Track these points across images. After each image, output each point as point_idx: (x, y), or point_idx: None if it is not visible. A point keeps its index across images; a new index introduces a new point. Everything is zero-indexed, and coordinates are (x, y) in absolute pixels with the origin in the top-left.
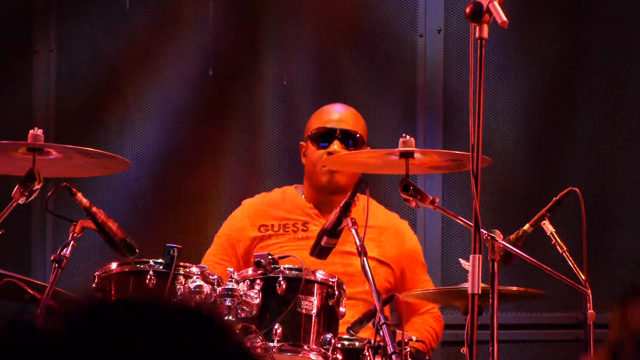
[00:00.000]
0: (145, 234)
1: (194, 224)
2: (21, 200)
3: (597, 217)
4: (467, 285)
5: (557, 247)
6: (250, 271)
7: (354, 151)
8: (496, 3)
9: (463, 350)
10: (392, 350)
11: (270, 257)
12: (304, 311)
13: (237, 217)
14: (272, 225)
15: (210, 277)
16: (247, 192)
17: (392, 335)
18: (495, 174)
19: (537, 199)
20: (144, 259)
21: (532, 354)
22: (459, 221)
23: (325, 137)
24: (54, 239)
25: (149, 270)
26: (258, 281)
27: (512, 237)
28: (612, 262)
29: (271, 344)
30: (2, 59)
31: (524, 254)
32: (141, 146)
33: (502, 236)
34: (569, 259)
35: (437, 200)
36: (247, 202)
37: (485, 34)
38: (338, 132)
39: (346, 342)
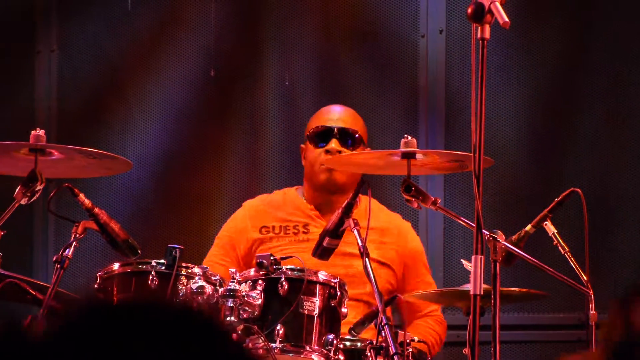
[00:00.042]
0: (147, 235)
1: (196, 224)
2: (23, 201)
3: (599, 218)
4: (469, 286)
5: (559, 247)
6: (252, 272)
7: (352, 150)
8: (498, 3)
9: (465, 351)
10: (394, 351)
11: (272, 257)
12: (306, 312)
13: (238, 218)
14: (273, 227)
15: (213, 277)
16: (248, 192)
17: (394, 336)
18: (497, 175)
19: (539, 199)
20: (146, 260)
21: (534, 355)
22: (461, 222)
23: (323, 135)
24: (56, 240)
25: (151, 271)
26: (260, 282)
27: (514, 237)
28: (614, 262)
29: (273, 345)
30: (4, 60)
31: (525, 255)
32: (143, 147)
33: (504, 237)
34: (571, 260)
35: (439, 201)
36: (248, 203)
37: (487, 35)
38: (336, 131)
39: (348, 343)
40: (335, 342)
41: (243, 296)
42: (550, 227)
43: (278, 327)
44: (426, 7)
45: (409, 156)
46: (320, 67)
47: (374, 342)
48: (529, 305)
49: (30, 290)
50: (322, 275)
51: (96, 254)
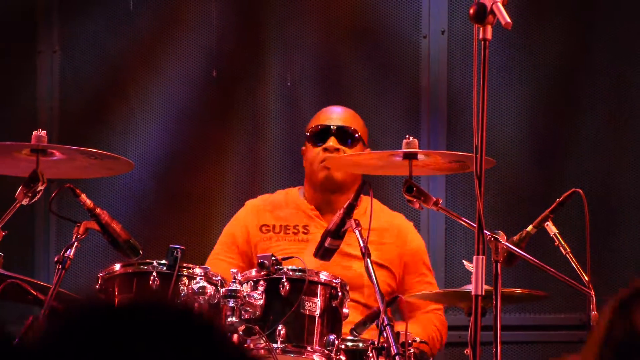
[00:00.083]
0: (149, 235)
1: (197, 225)
2: (25, 202)
3: (601, 219)
4: (471, 286)
5: (561, 248)
6: (253, 272)
7: (351, 148)
8: (500, 4)
9: (467, 352)
10: (395, 352)
11: (273, 258)
12: (307, 312)
13: (240, 217)
14: (274, 226)
15: (214, 278)
16: (250, 193)
17: (396, 336)
18: (499, 175)
19: (541, 200)
20: (148, 260)
21: (536, 355)
22: (463, 222)
23: (321, 134)
24: (57, 240)
25: (153, 272)
26: (261, 282)
27: (515, 238)
28: (615, 263)
29: (275, 345)
30: (6, 60)
31: (527, 255)
32: (145, 147)
33: (505, 237)
34: (573, 260)
35: (441, 202)
36: (249, 203)
37: (489, 35)
38: (333, 129)
39: (350, 343)
40: (336, 342)
41: (244, 296)
42: (551, 228)
43: (279, 328)
44: (428, 8)
45: (410, 157)
46: (322, 68)
47: (376, 343)
48: (530, 306)
49: (32, 291)
50: (323, 276)
51: (97, 255)
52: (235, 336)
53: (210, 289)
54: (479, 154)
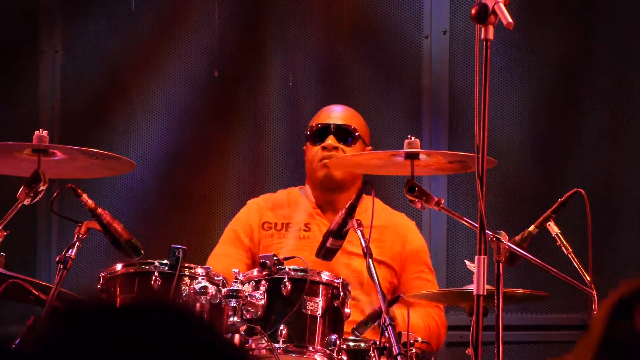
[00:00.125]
0: (151, 235)
1: (199, 225)
2: (26, 202)
3: (603, 219)
4: (473, 286)
5: (563, 248)
6: (255, 272)
7: (350, 147)
8: (501, 4)
9: (468, 352)
10: (397, 352)
11: (275, 258)
12: (309, 312)
13: (242, 216)
14: (275, 224)
15: (216, 278)
16: (252, 193)
17: (398, 336)
18: (501, 175)
19: (543, 200)
20: (149, 260)
21: (537, 355)
22: (464, 222)
23: (319, 133)
24: (59, 240)
25: (154, 272)
26: (263, 282)
27: (517, 238)
28: (617, 263)
29: (276, 345)
30: (8, 60)
31: (529, 255)
32: (146, 147)
33: (507, 237)
34: (574, 260)
35: (443, 202)
36: (252, 201)
37: (491, 35)
38: (332, 127)
39: (351, 343)
40: (338, 342)
41: (246, 296)
42: (553, 228)
43: (281, 328)
44: (430, 8)
45: (412, 157)
46: (324, 68)
47: (378, 343)
48: (532, 306)
49: (33, 291)
50: (325, 276)
51: (99, 255)
52: (237, 336)
53: (212, 289)
54: (480, 154)
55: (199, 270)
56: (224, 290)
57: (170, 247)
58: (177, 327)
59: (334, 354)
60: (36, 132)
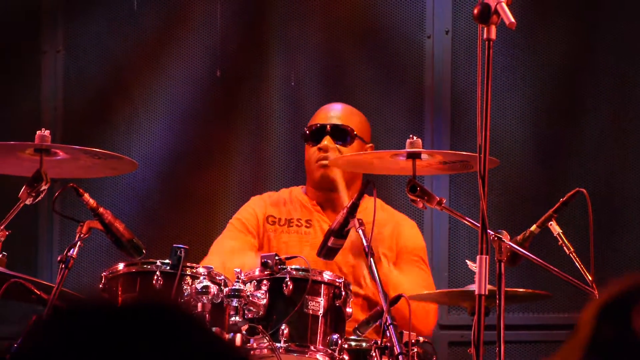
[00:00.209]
0: (152, 235)
1: (201, 224)
2: (28, 201)
3: (604, 218)
4: (474, 286)
5: (564, 247)
6: (257, 272)
7: (347, 146)
8: (504, 4)
9: (470, 351)
10: (399, 351)
11: (277, 257)
12: (310, 312)
13: (247, 207)
14: (279, 219)
15: (217, 277)
16: (254, 192)
17: (399, 336)
18: (503, 175)
19: (544, 199)
20: (151, 260)
21: (539, 355)
22: (466, 222)
23: (316, 133)
24: (61, 240)
25: (156, 271)
26: (265, 282)
27: (519, 237)
28: (619, 263)
29: (278, 345)
30: (10, 60)
31: (530, 255)
32: (148, 147)
33: (509, 237)
34: (576, 260)
35: (444, 201)
36: (255, 197)
37: (493, 35)
38: (328, 128)
39: (353, 343)
40: (340, 342)
41: (248, 296)
42: (555, 228)
43: (283, 327)
44: (432, 8)
45: (414, 156)
46: (326, 68)
47: (379, 342)
48: (533, 305)
49: (35, 290)
50: (326, 275)
51: (101, 254)
52: (238, 336)
53: (213, 289)
54: (482, 153)
55: (201, 269)
56: (225, 289)
57: (172, 246)
58: (178, 327)
59: (336, 354)
60: (38, 132)
